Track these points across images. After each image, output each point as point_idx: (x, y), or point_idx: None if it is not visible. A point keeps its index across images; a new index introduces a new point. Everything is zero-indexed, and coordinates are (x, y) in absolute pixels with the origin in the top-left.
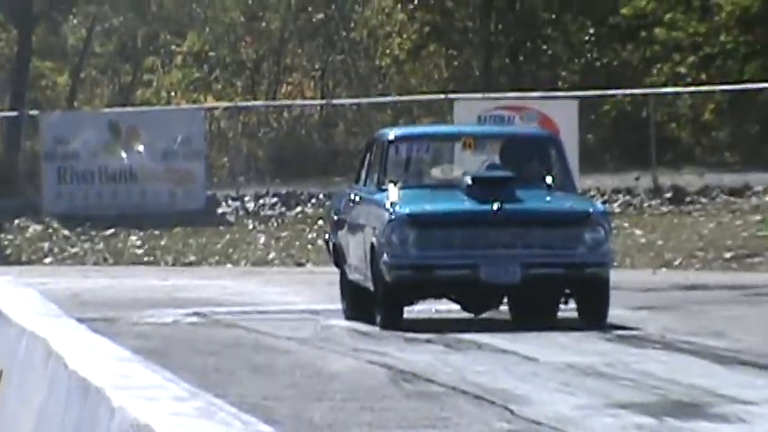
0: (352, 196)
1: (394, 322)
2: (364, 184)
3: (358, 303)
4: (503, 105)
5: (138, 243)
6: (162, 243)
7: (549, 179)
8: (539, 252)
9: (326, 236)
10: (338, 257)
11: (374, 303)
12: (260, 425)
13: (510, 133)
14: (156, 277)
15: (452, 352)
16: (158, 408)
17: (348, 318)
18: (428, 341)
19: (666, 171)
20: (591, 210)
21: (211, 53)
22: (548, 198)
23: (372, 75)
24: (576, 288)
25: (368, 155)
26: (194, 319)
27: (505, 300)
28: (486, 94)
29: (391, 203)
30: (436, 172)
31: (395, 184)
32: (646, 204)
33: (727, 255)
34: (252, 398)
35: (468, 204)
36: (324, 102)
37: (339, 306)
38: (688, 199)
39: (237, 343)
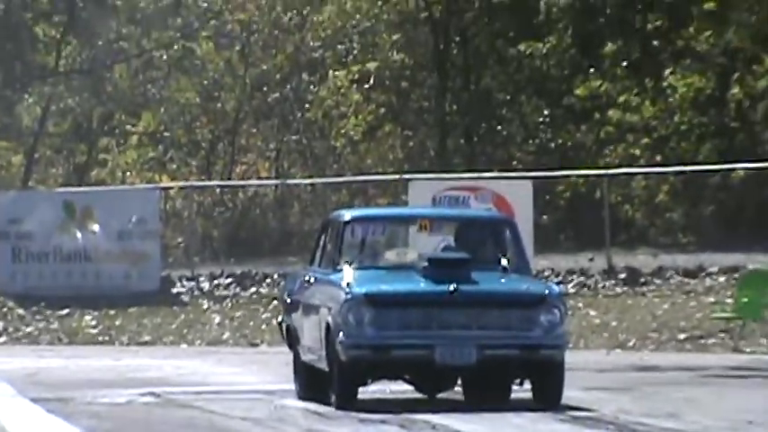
0: (307, 277)
1: (349, 402)
2: (319, 265)
3: (312, 384)
4: (457, 186)
5: (93, 323)
6: (117, 323)
7: (504, 261)
8: (494, 333)
9: (280, 317)
10: (292, 339)
11: (329, 384)
12: None
13: (465, 216)
14: (110, 357)
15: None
16: None
17: (302, 398)
18: (382, 422)
19: (621, 252)
20: (546, 292)
21: (166, 133)
22: (503, 280)
23: (327, 155)
24: (531, 370)
25: (323, 236)
26: (148, 399)
27: (459, 380)
28: (441, 175)
29: (347, 283)
30: (391, 254)
31: (350, 265)
32: (600, 285)
33: (681, 336)
34: None
35: (424, 285)
36: (278, 182)
37: (293, 386)
38: (642, 280)
39: (192, 423)
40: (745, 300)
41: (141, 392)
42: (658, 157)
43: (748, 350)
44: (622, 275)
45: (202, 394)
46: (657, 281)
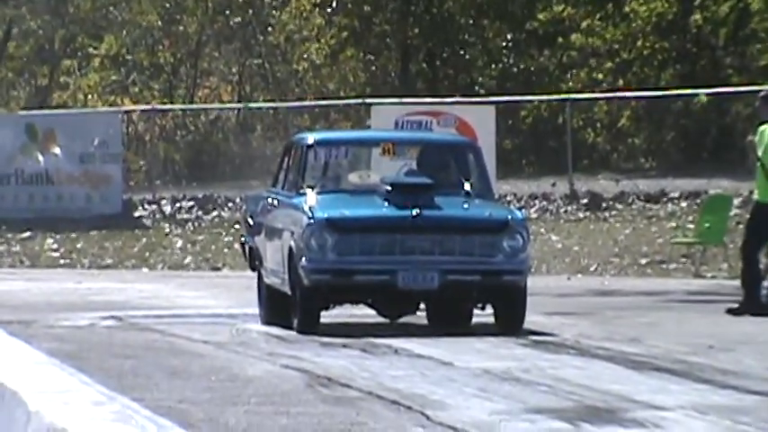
0: (270, 200)
1: (311, 326)
2: (282, 188)
3: (275, 307)
4: (420, 110)
5: (55, 246)
6: (78, 246)
7: (467, 186)
8: (457, 259)
9: (242, 239)
10: (254, 261)
11: (291, 307)
12: (175, 428)
13: (429, 140)
14: (72, 280)
15: (369, 357)
16: (75, 412)
17: (265, 322)
18: (344, 346)
19: (583, 177)
20: (509, 217)
21: (129, 56)
22: (466, 205)
23: (290, 79)
24: (493, 295)
25: (286, 158)
26: (110, 322)
27: (422, 305)
28: (404, 99)
29: (310, 208)
30: (354, 177)
31: (313, 189)
32: (562, 210)
33: (643, 261)
34: (167, 401)
35: (386, 210)
36: (241, 106)
37: (255, 310)
38: (604, 205)
39: (153, 347)
40: (707, 225)
41: (103, 316)
42: (621, 82)
43: (709, 275)
44: (584, 201)
45: (164, 318)
46: (619, 206)
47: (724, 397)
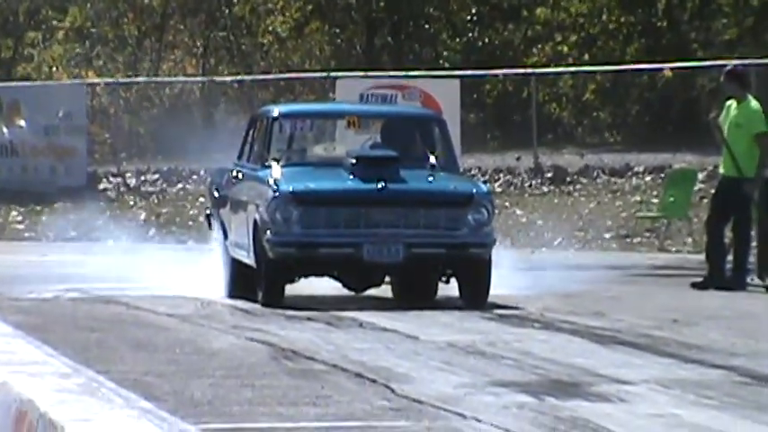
0: (235, 173)
1: (276, 300)
2: (247, 160)
3: (240, 280)
4: (385, 84)
5: (20, 218)
6: (43, 218)
7: (432, 159)
8: (422, 232)
9: (207, 211)
10: (219, 233)
11: (256, 280)
12: (141, 401)
13: (394, 112)
14: (36, 253)
15: (333, 330)
16: (42, 383)
17: (230, 295)
18: (309, 319)
19: (547, 151)
20: (474, 191)
21: (93, 29)
22: (431, 178)
23: (255, 52)
24: (458, 268)
25: (251, 131)
26: (75, 294)
27: (387, 278)
28: (369, 73)
29: (275, 180)
30: (319, 150)
31: (278, 162)
32: (527, 184)
33: (607, 235)
34: (133, 374)
35: (351, 183)
36: (205, 79)
37: (220, 284)
38: (569, 179)
39: (118, 319)
40: (671, 199)
41: (68, 288)
42: (586, 56)
43: (674, 249)
44: (549, 174)
45: (129, 291)
46: (584, 180)
47: (688, 371)
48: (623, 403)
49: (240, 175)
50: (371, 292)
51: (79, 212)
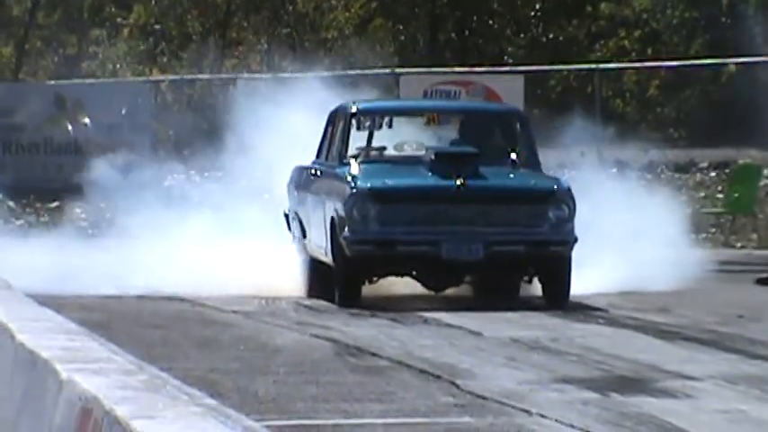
0: (313, 170)
1: (353, 299)
2: (326, 158)
3: (319, 280)
4: (449, 80)
5: (83, 216)
6: (107, 216)
7: (513, 156)
8: (501, 230)
9: (285, 210)
10: (297, 232)
11: (333, 280)
12: (205, 398)
13: (474, 108)
14: (99, 249)
15: (398, 326)
16: (106, 381)
17: (308, 295)
18: (373, 315)
19: (611, 147)
20: (555, 187)
21: (157, 26)
22: (511, 175)
23: (318, 48)
24: (539, 266)
25: (329, 128)
26: (139, 292)
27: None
28: (432, 69)
29: (353, 177)
30: (398, 147)
31: (356, 159)
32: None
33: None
34: (197, 371)
35: (431, 180)
36: (269, 75)
37: (292, 283)
38: (633, 175)
39: (182, 316)
40: (736, 195)
41: (132, 286)
42: (649, 51)
43: (739, 245)
44: (613, 170)
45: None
46: (648, 176)
47: (753, 366)
48: (688, 399)
49: (318, 173)
50: (451, 291)
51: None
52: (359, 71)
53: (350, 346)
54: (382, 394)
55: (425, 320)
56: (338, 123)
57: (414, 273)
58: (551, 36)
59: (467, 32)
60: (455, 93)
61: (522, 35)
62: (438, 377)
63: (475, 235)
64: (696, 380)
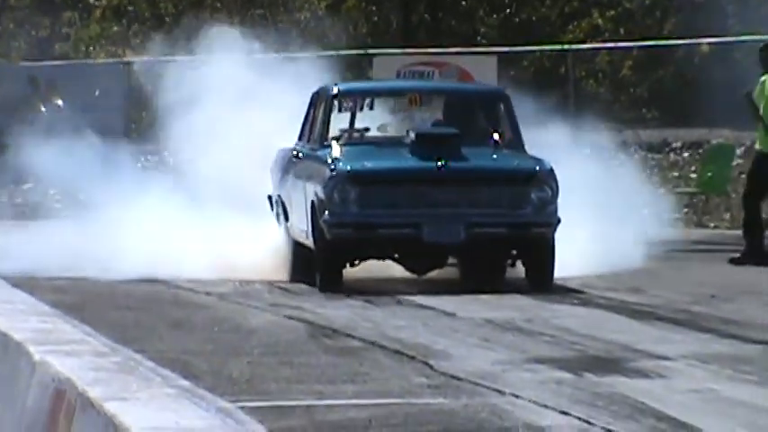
0: (295, 153)
1: (334, 284)
2: (307, 141)
3: (302, 264)
4: (422, 61)
5: (58, 197)
6: (81, 197)
7: (496, 137)
8: (483, 211)
9: (269, 193)
10: (280, 215)
11: (314, 263)
12: (179, 380)
13: (456, 89)
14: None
15: (371, 307)
16: (79, 362)
17: (292, 280)
18: (347, 296)
19: (584, 127)
20: (537, 168)
21: (130, 7)
22: (494, 156)
23: (292, 30)
24: (522, 248)
25: (311, 110)
26: (113, 274)
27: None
28: (406, 50)
29: (333, 159)
30: (382, 128)
31: (337, 140)
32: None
33: (645, 210)
34: (171, 353)
35: (411, 161)
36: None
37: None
38: (606, 155)
39: (156, 298)
40: (709, 174)
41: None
42: (622, 32)
43: (712, 225)
44: (587, 151)
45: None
46: (622, 156)
47: (726, 346)
48: (661, 378)
49: (300, 155)
50: (434, 274)
51: None
52: (331, 52)
53: (324, 327)
54: (356, 375)
55: (399, 302)
56: (319, 105)
57: (395, 256)
58: (524, 17)
59: (440, 13)
60: (429, 73)
61: (494, 16)
62: (412, 358)
63: (456, 217)
64: (669, 359)
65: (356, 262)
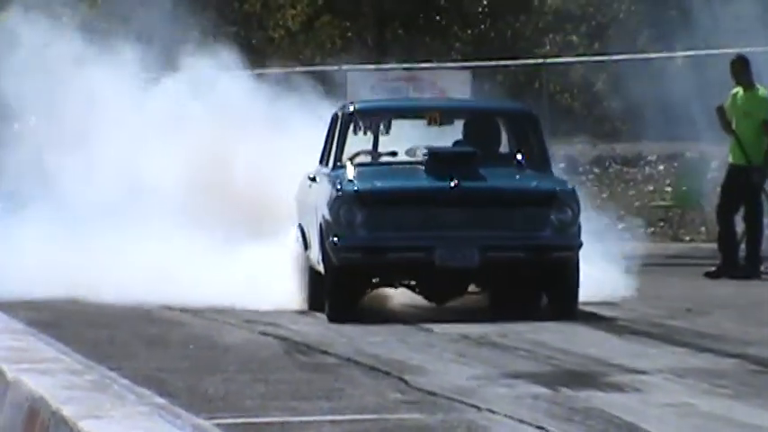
0: (311, 176)
1: (343, 312)
2: (325, 164)
3: (318, 291)
4: (396, 77)
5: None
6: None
7: (519, 156)
8: (499, 234)
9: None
10: (302, 243)
11: (323, 290)
12: (154, 397)
13: (478, 107)
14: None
15: (347, 323)
16: (53, 381)
17: (311, 308)
18: (322, 312)
19: (559, 142)
20: (557, 188)
21: (104, 24)
22: (515, 176)
23: (266, 46)
24: (543, 274)
25: (330, 131)
26: (85, 292)
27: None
28: (381, 66)
29: (340, 180)
30: (409, 152)
31: (352, 161)
32: None
33: (620, 225)
34: (146, 370)
35: (423, 181)
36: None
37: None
38: (581, 169)
39: (131, 315)
40: (684, 188)
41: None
42: (597, 46)
43: (687, 238)
44: (561, 165)
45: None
46: (596, 170)
47: (702, 360)
48: (637, 393)
49: (315, 179)
50: (456, 304)
51: None
52: (306, 68)
53: (299, 343)
54: (331, 391)
55: (375, 318)
56: (336, 125)
57: (410, 283)
58: (498, 31)
59: (413, 29)
60: (403, 89)
61: (468, 31)
62: (387, 374)
63: (470, 240)
64: (645, 374)
65: (369, 290)
